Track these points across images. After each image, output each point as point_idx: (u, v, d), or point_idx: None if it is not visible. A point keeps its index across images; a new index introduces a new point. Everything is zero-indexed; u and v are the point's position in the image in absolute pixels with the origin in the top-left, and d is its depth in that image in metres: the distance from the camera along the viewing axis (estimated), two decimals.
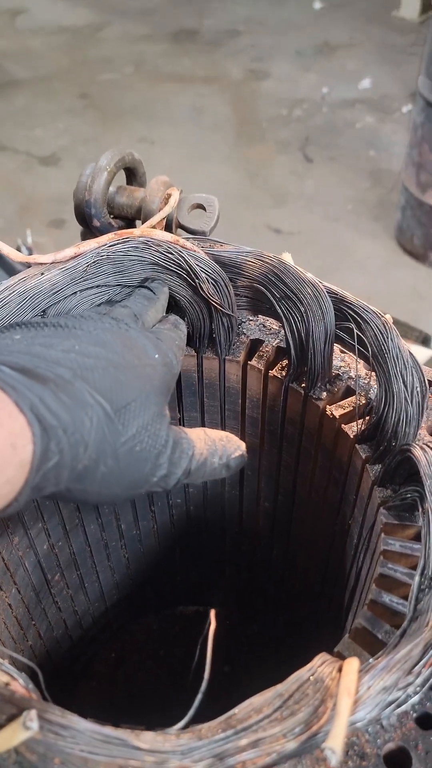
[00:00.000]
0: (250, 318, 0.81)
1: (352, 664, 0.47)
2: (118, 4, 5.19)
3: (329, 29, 4.71)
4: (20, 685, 0.46)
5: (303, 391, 0.75)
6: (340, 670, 0.48)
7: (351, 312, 0.69)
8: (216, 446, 0.66)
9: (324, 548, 0.86)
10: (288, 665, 1.08)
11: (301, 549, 0.92)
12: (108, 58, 4.61)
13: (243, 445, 0.68)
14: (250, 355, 0.79)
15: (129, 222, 0.86)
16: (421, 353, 1.60)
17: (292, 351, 0.73)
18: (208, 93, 4.23)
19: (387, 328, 0.67)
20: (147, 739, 0.43)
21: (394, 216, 3.18)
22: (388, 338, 0.67)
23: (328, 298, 0.69)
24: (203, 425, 0.87)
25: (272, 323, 0.81)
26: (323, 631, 0.95)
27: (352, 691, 0.45)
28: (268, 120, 3.99)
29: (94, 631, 1.10)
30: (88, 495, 0.54)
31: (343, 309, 0.70)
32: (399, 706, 0.47)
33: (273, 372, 0.77)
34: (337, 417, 0.72)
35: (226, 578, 1.12)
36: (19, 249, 2.60)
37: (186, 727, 0.47)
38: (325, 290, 0.69)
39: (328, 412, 0.73)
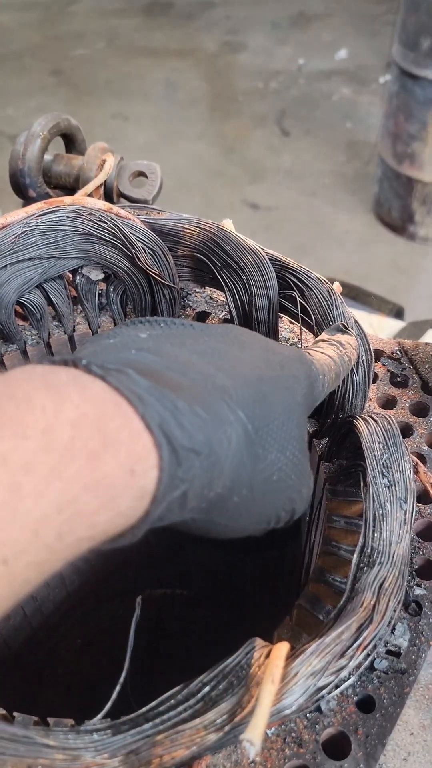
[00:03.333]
0: (197, 290, 0.78)
1: (280, 650, 0.44)
2: None
3: None
4: None
5: None
6: (269, 655, 0.46)
7: (294, 279, 0.66)
8: None
9: (281, 531, 0.83)
10: None
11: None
12: (80, 33, 4.51)
13: None
14: None
15: (69, 192, 0.82)
16: (394, 326, 1.57)
17: (236, 322, 0.69)
18: (182, 67, 4.14)
19: (331, 295, 0.64)
20: (58, 736, 0.41)
21: (372, 189, 3.14)
22: (332, 306, 0.64)
23: (270, 265, 0.66)
24: None
25: (219, 295, 0.78)
26: (287, 605, 0.93)
27: (277, 678, 0.42)
28: (244, 93, 3.91)
29: (56, 617, 1.07)
30: (214, 527, 0.46)
31: (286, 276, 0.66)
32: (332, 691, 0.45)
33: None
34: None
35: (191, 561, 1.10)
36: None
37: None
38: (266, 257, 0.66)
39: None
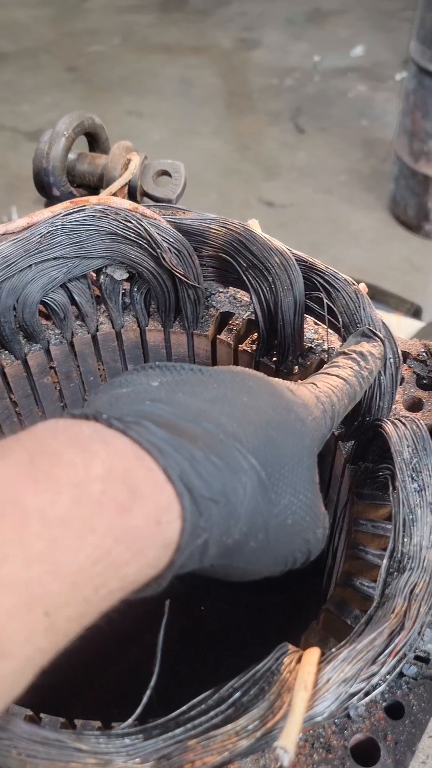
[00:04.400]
0: (221, 290, 0.78)
1: (311, 655, 0.44)
2: None
3: None
4: None
5: (274, 366, 0.72)
6: (300, 660, 0.45)
7: (321, 280, 0.65)
8: None
9: None
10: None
11: None
12: (95, 30, 4.50)
13: None
14: (219, 329, 0.75)
15: (92, 191, 0.82)
16: (412, 325, 1.56)
17: (261, 323, 0.69)
18: (197, 64, 4.13)
19: (358, 296, 0.63)
20: (89, 740, 0.41)
21: (388, 186, 3.12)
22: (359, 307, 0.63)
23: (296, 266, 0.66)
24: None
25: (243, 295, 0.77)
26: (308, 610, 0.93)
27: (310, 684, 0.42)
28: (259, 90, 3.90)
29: None
30: (232, 571, 0.46)
31: (312, 278, 0.66)
32: (362, 698, 0.45)
33: (243, 346, 0.73)
34: None
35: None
36: None
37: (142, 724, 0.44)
38: (293, 258, 0.66)
39: None
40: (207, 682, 0.48)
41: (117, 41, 4.41)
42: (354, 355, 0.56)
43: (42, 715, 0.51)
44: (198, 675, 0.63)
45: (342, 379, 0.54)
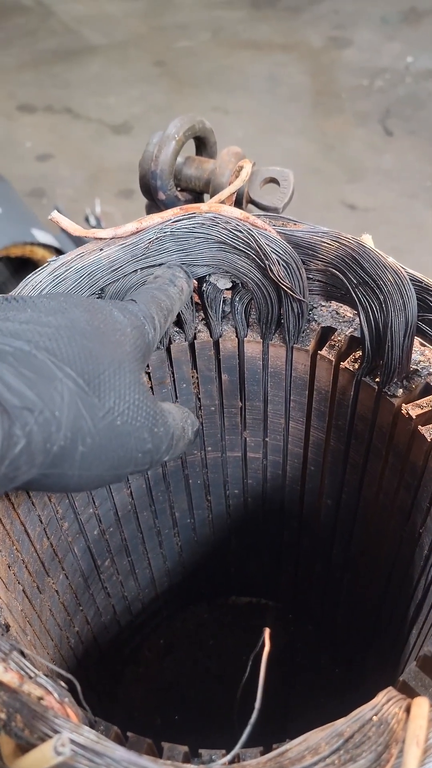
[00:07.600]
0: (323, 304, 0.75)
1: (421, 707, 0.42)
2: None
3: None
4: (55, 699, 0.42)
5: (376, 387, 0.69)
6: (407, 710, 0.43)
7: None
8: (184, 417, 0.61)
9: (389, 554, 0.80)
10: (344, 672, 1.03)
11: (363, 552, 0.87)
12: (184, 25, 4.51)
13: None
14: (320, 344, 0.73)
15: (196, 195, 0.81)
16: None
17: (367, 342, 0.66)
18: (285, 62, 4.09)
19: None
20: None
21: None
22: None
23: (411, 286, 0.63)
24: (266, 415, 0.82)
25: (346, 310, 0.75)
26: (382, 640, 0.90)
27: (422, 740, 0.39)
28: (348, 91, 3.83)
29: (143, 617, 1.08)
30: (68, 480, 0.49)
31: (427, 299, 0.63)
32: None
33: (345, 364, 0.71)
34: (414, 417, 0.66)
35: (282, 573, 1.07)
36: (87, 218, 2.58)
37: (232, 759, 0.43)
38: (407, 277, 0.63)
39: (404, 411, 0.67)
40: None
41: (206, 37, 4.40)
42: (165, 277, 0.64)
43: (129, 734, 0.50)
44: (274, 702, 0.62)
45: (161, 295, 0.61)
